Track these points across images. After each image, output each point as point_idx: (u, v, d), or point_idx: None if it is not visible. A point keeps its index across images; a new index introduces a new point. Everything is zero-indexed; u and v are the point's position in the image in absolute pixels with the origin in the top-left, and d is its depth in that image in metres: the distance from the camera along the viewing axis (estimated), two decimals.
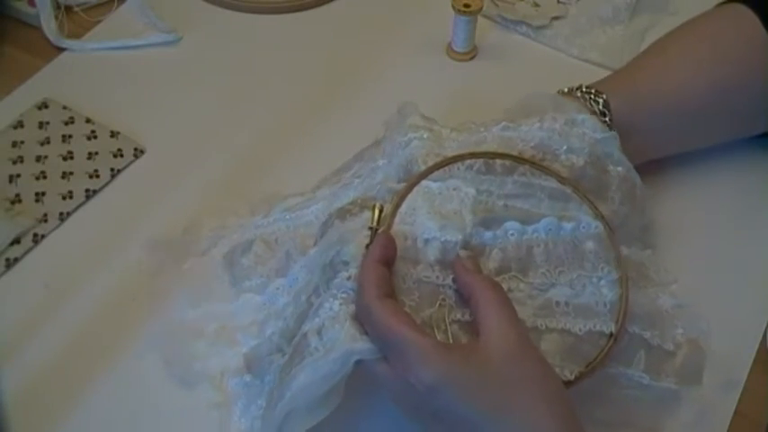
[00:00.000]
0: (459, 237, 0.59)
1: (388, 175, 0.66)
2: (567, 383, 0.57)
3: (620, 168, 0.67)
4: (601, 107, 0.69)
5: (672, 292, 0.67)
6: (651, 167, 0.74)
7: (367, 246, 0.58)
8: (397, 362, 0.53)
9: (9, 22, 0.88)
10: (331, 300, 0.57)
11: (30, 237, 0.70)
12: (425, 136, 0.66)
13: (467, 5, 0.83)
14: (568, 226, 0.62)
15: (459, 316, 0.57)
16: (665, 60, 0.74)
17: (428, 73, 0.86)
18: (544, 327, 0.59)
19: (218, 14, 0.90)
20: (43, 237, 0.71)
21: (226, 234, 0.70)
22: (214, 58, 0.86)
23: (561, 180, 0.64)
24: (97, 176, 0.75)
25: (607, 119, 0.69)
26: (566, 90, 0.72)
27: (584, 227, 0.62)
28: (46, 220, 0.72)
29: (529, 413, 0.51)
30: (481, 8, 0.83)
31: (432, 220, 0.59)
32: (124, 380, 0.63)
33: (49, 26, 0.85)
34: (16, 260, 0.69)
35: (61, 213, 0.72)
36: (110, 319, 0.66)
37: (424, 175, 0.62)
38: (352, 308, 0.56)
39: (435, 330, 0.56)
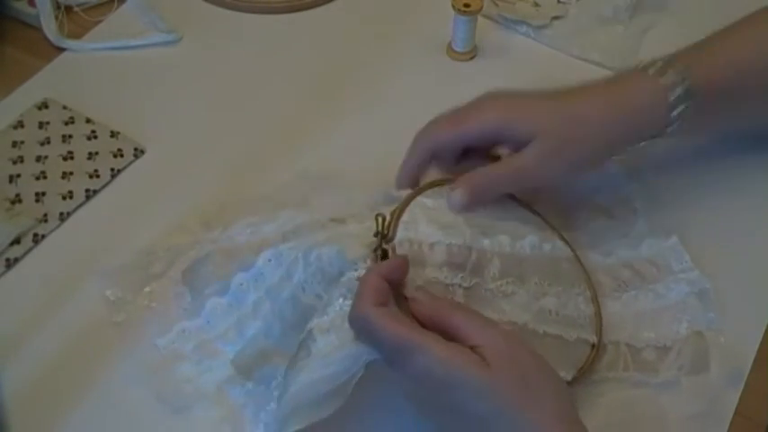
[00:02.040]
0: (462, 240, 0.61)
1: (368, 202, 0.68)
2: None
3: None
4: (680, 94, 0.66)
5: (690, 279, 0.68)
6: (667, 163, 0.75)
7: (375, 250, 0.59)
8: (404, 365, 0.53)
9: (9, 22, 0.88)
10: (341, 299, 0.58)
11: (30, 237, 0.70)
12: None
13: (467, 5, 0.83)
14: (547, 245, 0.65)
15: None
16: (740, 34, 0.71)
17: (428, 73, 0.86)
18: (542, 331, 0.61)
19: (219, 14, 0.90)
20: (43, 237, 0.71)
21: (182, 252, 0.69)
22: (214, 58, 0.86)
23: (532, 211, 0.68)
24: (97, 176, 0.75)
25: (685, 107, 0.66)
26: (642, 68, 0.68)
27: (558, 248, 0.66)
28: (46, 220, 0.72)
29: (536, 411, 0.52)
30: (481, 8, 0.83)
31: (433, 228, 0.61)
32: (123, 379, 0.63)
33: (49, 26, 0.85)
34: (16, 260, 0.69)
35: (61, 213, 0.72)
36: (109, 319, 0.66)
37: (419, 192, 0.64)
38: None
39: None
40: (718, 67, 0.69)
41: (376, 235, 0.60)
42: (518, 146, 0.64)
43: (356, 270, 0.58)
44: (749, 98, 0.72)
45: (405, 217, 0.62)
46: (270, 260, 0.63)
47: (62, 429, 0.61)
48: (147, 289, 0.67)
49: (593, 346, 0.63)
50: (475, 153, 0.67)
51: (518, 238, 0.64)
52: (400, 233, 0.60)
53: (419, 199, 0.64)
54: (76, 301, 0.67)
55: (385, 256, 0.59)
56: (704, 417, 0.62)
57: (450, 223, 0.62)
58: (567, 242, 0.68)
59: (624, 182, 0.74)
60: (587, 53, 0.87)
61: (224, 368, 0.62)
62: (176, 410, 0.62)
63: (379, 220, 0.60)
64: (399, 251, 0.59)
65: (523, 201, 0.69)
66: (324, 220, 0.65)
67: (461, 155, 0.67)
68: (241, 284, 0.64)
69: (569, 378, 0.60)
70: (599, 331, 0.64)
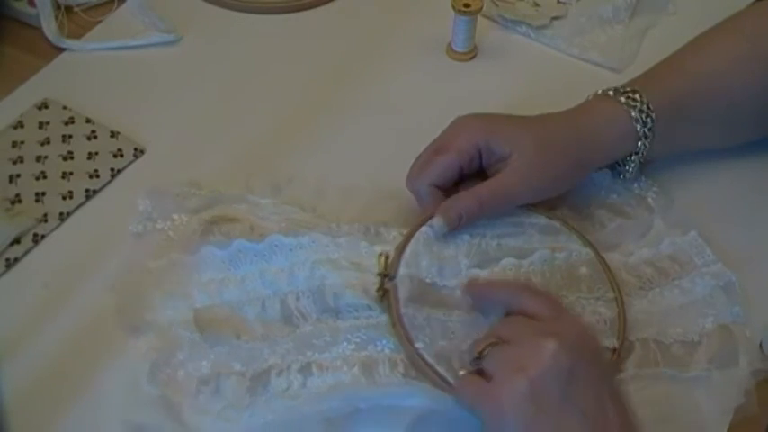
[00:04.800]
0: (454, 281, 0.64)
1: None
2: None
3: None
4: (642, 108, 0.69)
5: (714, 272, 0.68)
6: (679, 160, 0.76)
7: (377, 290, 0.62)
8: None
9: (9, 22, 0.88)
10: (345, 343, 0.61)
11: (30, 237, 0.70)
12: None
13: (467, 5, 0.83)
14: (561, 255, 0.67)
15: (465, 348, 0.61)
16: (702, 59, 0.73)
17: (428, 73, 0.86)
18: None
19: (219, 14, 0.90)
20: (43, 237, 0.71)
21: (222, 201, 0.71)
22: (214, 58, 0.86)
23: (549, 216, 0.69)
24: (97, 176, 0.75)
25: (648, 124, 0.70)
26: (601, 92, 0.72)
27: (575, 255, 0.67)
28: (46, 220, 0.72)
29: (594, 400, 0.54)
30: (481, 8, 0.83)
31: (433, 266, 0.64)
32: (124, 380, 0.63)
33: (49, 26, 0.85)
34: (16, 260, 0.69)
35: (61, 213, 0.72)
36: (109, 318, 0.66)
37: (421, 224, 0.66)
38: (363, 354, 0.61)
39: (449, 359, 0.60)
40: (674, 85, 0.72)
41: (379, 274, 0.63)
42: (498, 160, 0.68)
43: (357, 317, 0.62)
44: (705, 114, 0.73)
45: (406, 252, 0.64)
46: (276, 246, 0.66)
47: (62, 429, 0.61)
48: (174, 216, 0.70)
49: (614, 350, 0.63)
50: (468, 180, 0.69)
51: (526, 255, 0.66)
52: (402, 270, 0.63)
53: (422, 229, 0.65)
54: (76, 300, 0.67)
55: (386, 294, 0.62)
56: (739, 410, 0.62)
57: (451, 255, 0.65)
58: (589, 242, 0.68)
59: (638, 181, 0.75)
60: (587, 53, 0.87)
61: (186, 312, 0.64)
62: (129, 330, 0.64)
63: (382, 259, 0.63)
64: (401, 288, 0.62)
65: (539, 208, 0.69)
66: (340, 242, 0.66)
67: (456, 183, 0.69)
68: (240, 251, 0.66)
69: None
70: (621, 333, 0.64)
